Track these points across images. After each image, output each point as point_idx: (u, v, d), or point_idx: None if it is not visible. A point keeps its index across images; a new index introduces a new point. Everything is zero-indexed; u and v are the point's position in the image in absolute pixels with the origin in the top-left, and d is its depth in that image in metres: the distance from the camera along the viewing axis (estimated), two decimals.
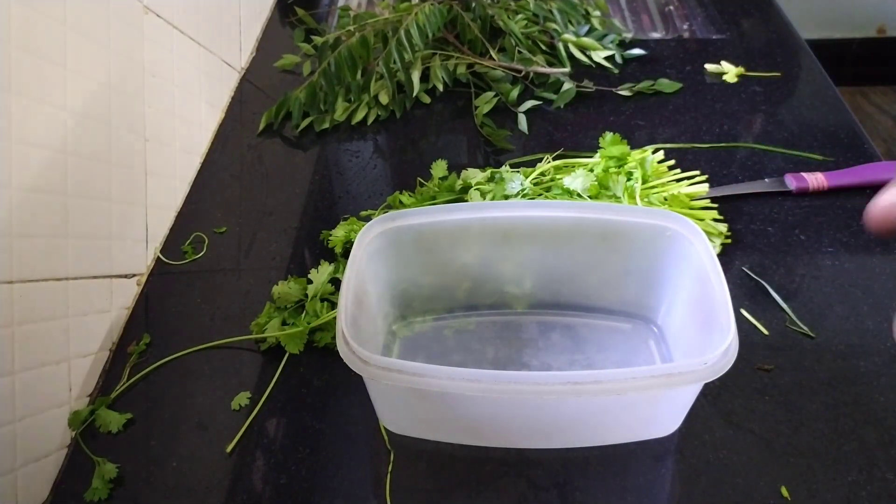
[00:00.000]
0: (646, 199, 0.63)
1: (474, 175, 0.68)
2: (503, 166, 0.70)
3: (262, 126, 0.82)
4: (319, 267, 0.61)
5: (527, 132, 0.79)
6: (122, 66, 0.63)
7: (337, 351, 0.43)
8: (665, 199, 0.63)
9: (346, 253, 0.64)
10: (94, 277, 0.58)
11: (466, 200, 0.66)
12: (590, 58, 0.87)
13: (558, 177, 0.66)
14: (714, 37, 0.94)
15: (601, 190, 0.63)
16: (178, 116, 0.73)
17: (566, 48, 0.88)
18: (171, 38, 0.72)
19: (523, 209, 0.51)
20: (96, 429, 0.54)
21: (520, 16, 0.89)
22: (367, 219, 0.60)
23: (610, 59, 0.88)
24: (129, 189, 0.64)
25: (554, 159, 0.70)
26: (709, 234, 0.62)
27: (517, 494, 0.48)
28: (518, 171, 0.67)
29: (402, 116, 0.83)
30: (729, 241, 0.64)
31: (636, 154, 0.66)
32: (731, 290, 0.44)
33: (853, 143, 0.74)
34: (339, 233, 0.65)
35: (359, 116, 0.82)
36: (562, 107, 0.82)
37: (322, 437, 0.52)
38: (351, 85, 0.82)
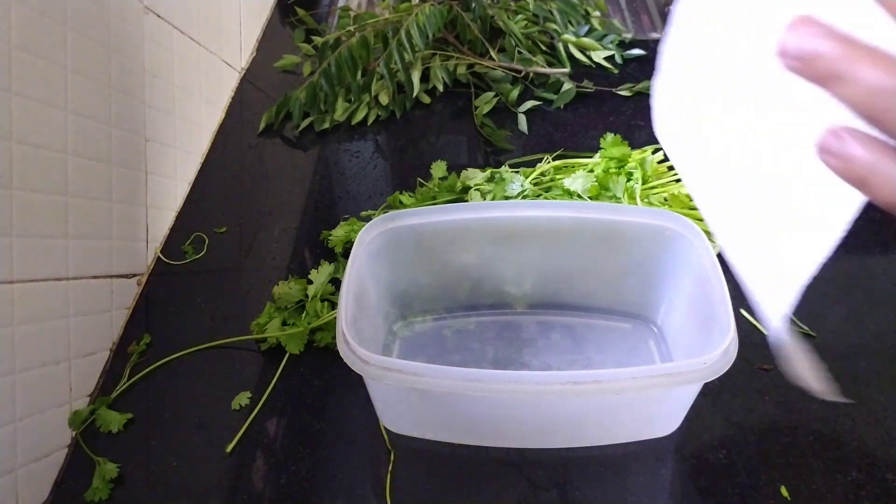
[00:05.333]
0: (646, 200, 0.63)
1: (474, 175, 0.68)
2: (503, 167, 0.70)
3: (262, 126, 0.82)
4: (320, 267, 0.61)
5: (527, 132, 0.79)
6: (122, 66, 0.63)
7: (337, 351, 0.43)
8: (665, 200, 0.63)
9: (346, 253, 0.64)
10: (95, 277, 0.58)
11: (466, 200, 0.66)
12: (589, 58, 0.87)
13: (558, 177, 0.66)
14: None
15: (601, 190, 0.63)
16: (178, 116, 0.73)
17: (566, 48, 0.88)
18: (172, 39, 0.72)
19: (523, 209, 0.51)
20: (97, 428, 0.54)
21: (520, 16, 0.89)
22: (368, 219, 0.60)
23: (610, 59, 0.88)
24: (130, 189, 0.64)
25: (554, 159, 0.70)
26: (709, 234, 0.62)
27: (517, 494, 0.48)
28: (518, 172, 0.67)
29: (402, 117, 0.83)
30: None
31: (636, 154, 0.66)
32: (730, 289, 0.44)
33: None
34: (339, 233, 0.65)
35: (359, 117, 0.82)
36: (562, 107, 0.82)
37: (322, 436, 0.52)
38: (351, 85, 0.82)
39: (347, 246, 0.64)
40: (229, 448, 0.52)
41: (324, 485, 0.49)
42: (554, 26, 0.89)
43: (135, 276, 0.64)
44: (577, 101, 0.82)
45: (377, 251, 0.51)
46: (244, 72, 0.91)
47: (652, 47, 0.91)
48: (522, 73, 0.84)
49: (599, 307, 0.58)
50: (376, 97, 0.83)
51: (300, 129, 0.81)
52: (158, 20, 0.70)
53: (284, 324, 0.58)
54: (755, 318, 0.57)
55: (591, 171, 0.64)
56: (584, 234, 0.52)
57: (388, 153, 0.79)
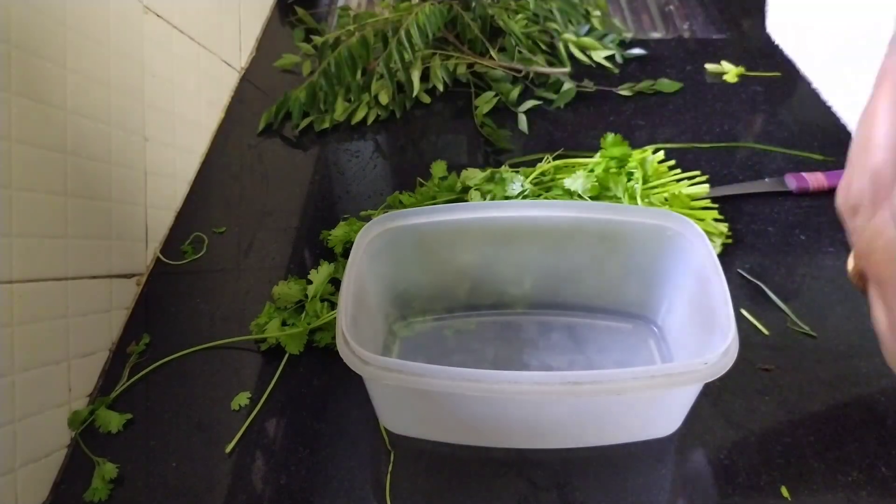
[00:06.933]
0: (646, 200, 0.63)
1: (474, 175, 0.68)
2: (503, 166, 0.70)
3: (261, 126, 0.82)
4: (319, 267, 0.61)
5: (527, 132, 0.79)
6: (121, 66, 0.62)
7: (337, 351, 0.43)
8: (665, 200, 0.63)
9: (345, 253, 0.64)
10: (94, 277, 0.58)
11: (466, 200, 0.66)
12: (590, 57, 0.87)
13: (559, 177, 0.66)
14: (714, 37, 0.94)
15: (601, 190, 0.63)
16: (177, 116, 0.73)
17: (566, 48, 0.88)
18: (171, 38, 0.72)
19: (523, 209, 0.51)
20: (96, 429, 0.54)
21: (520, 15, 0.89)
22: (367, 219, 0.60)
23: (610, 58, 0.88)
24: (129, 189, 0.64)
25: (554, 159, 0.70)
26: (709, 233, 0.62)
27: (517, 494, 0.48)
28: (518, 172, 0.67)
29: (402, 116, 0.83)
30: (729, 240, 0.63)
31: (636, 154, 0.66)
32: (731, 289, 0.44)
33: None
34: (338, 233, 0.65)
35: (359, 116, 0.82)
36: (562, 107, 0.82)
37: (322, 437, 0.52)
38: (351, 85, 0.82)
39: (347, 246, 0.64)
40: (229, 448, 0.52)
41: (324, 485, 0.49)
42: (554, 25, 0.89)
43: (134, 276, 0.64)
44: (577, 100, 0.82)
45: (377, 251, 0.51)
46: (244, 71, 0.91)
47: (652, 47, 0.91)
48: (523, 73, 0.84)
49: (600, 307, 0.57)
50: (376, 97, 0.83)
51: (300, 128, 0.81)
52: (158, 20, 0.70)
53: (284, 324, 0.58)
54: (755, 318, 0.57)
55: (592, 170, 0.64)
56: (585, 234, 0.52)
57: (388, 153, 0.79)
